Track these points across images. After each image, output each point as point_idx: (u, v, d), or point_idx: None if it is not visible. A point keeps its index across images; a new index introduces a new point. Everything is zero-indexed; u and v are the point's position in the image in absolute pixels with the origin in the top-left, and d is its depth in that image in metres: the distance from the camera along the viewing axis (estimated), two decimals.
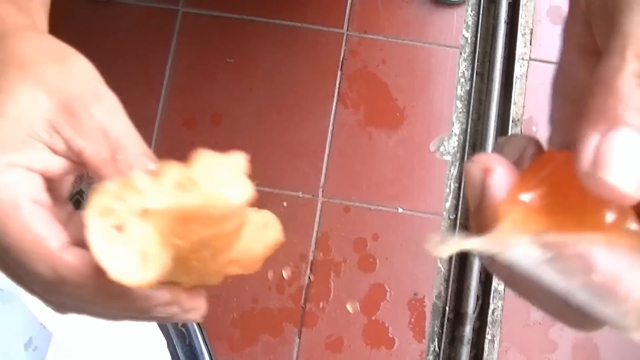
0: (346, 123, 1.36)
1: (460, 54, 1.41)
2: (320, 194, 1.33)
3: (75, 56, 0.40)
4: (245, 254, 0.40)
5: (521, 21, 1.41)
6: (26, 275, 0.37)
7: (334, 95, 1.37)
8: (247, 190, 0.34)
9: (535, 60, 1.40)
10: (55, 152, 0.38)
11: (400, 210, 1.33)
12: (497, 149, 0.36)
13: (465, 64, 1.41)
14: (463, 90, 1.40)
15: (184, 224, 0.33)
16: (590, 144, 0.28)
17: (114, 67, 1.18)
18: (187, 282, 0.39)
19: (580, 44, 0.35)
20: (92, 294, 0.37)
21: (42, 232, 0.36)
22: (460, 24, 1.43)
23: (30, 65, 0.39)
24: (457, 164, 1.36)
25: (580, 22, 0.34)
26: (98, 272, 0.35)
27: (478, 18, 1.43)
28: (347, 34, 1.41)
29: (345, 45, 1.40)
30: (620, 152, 0.28)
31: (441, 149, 1.36)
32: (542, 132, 1.37)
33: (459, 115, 1.38)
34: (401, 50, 1.40)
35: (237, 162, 0.34)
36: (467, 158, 1.35)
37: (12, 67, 0.38)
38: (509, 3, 1.42)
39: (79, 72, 0.40)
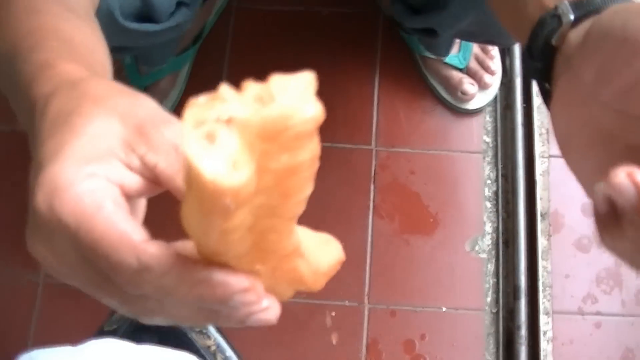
0: (383, 233, 1.45)
1: (484, 158, 1.51)
2: (366, 301, 1.40)
3: (141, 94, 0.46)
4: (312, 257, 0.43)
5: (536, 122, 1.51)
6: (111, 269, 0.39)
7: (369, 208, 1.46)
8: (317, 107, 0.34)
9: (554, 156, 1.49)
10: (131, 168, 0.42)
11: (444, 309, 1.39)
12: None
13: (489, 167, 1.50)
14: (490, 191, 1.48)
15: (265, 141, 0.34)
16: None
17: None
18: (263, 273, 0.41)
19: None
20: (175, 280, 0.39)
21: (126, 227, 0.39)
22: (480, 131, 1.53)
23: (102, 98, 0.44)
24: (493, 261, 1.43)
25: None
26: (180, 259, 0.38)
27: (496, 123, 1.53)
28: (375, 150, 1.51)
29: (375, 160, 1.50)
30: None
31: (476, 247, 1.44)
32: (569, 221, 1.45)
33: (490, 214, 1.46)
34: (428, 160, 1.50)
35: (307, 79, 0.35)
36: (502, 254, 1.43)
37: (87, 100, 0.44)
38: (524, 107, 1.52)
39: (147, 102, 0.45)
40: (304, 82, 0.34)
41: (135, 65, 1.49)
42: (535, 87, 1.53)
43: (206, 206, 0.34)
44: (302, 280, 0.44)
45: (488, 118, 1.54)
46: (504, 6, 0.65)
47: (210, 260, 0.39)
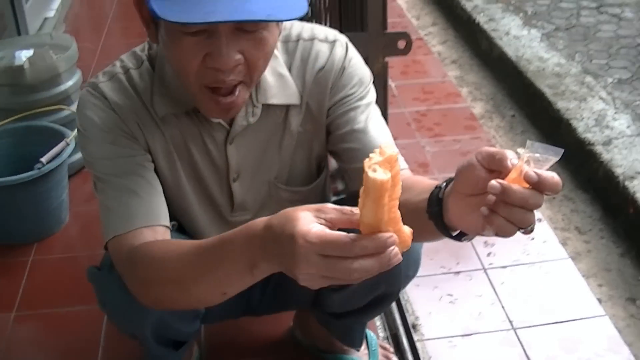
0: None
1: None
2: None
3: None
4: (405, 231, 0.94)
5: None
6: (339, 253, 0.90)
7: None
8: (386, 174, 0.87)
9: None
10: (321, 223, 0.95)
11: None
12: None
13: None
14: None
15: (387, 164, 0.88)
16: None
17: None
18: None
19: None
20: (360, 249, 0.89)
21: (336, 234, 0.92)
22: None
23: (296, 210, 0.97)
24: None
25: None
26: (359, 237, 0.91)
27: None
28: None
29: None
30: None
31: None
32: None
33: None
34: None
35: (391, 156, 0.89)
36: None
37: (289, 213, 0.97)
38: None
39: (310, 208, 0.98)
40: (387, 158, 0.90)
41: None
42: None
43: (376, 195, 0.87)
44: (405, 236, 0.94)
45: None
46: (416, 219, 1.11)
47: (371, 233, 0.90)
